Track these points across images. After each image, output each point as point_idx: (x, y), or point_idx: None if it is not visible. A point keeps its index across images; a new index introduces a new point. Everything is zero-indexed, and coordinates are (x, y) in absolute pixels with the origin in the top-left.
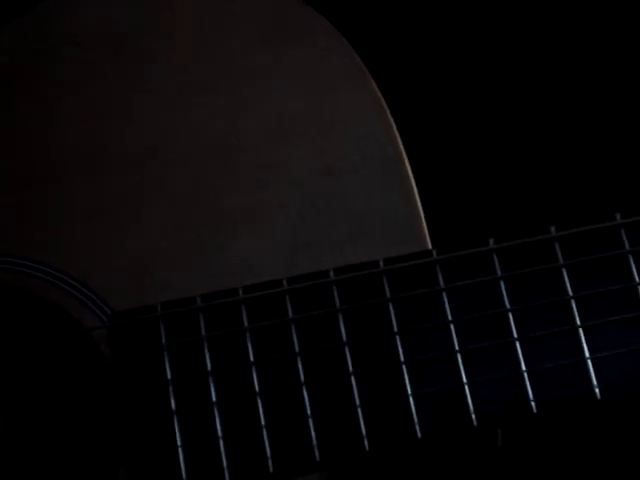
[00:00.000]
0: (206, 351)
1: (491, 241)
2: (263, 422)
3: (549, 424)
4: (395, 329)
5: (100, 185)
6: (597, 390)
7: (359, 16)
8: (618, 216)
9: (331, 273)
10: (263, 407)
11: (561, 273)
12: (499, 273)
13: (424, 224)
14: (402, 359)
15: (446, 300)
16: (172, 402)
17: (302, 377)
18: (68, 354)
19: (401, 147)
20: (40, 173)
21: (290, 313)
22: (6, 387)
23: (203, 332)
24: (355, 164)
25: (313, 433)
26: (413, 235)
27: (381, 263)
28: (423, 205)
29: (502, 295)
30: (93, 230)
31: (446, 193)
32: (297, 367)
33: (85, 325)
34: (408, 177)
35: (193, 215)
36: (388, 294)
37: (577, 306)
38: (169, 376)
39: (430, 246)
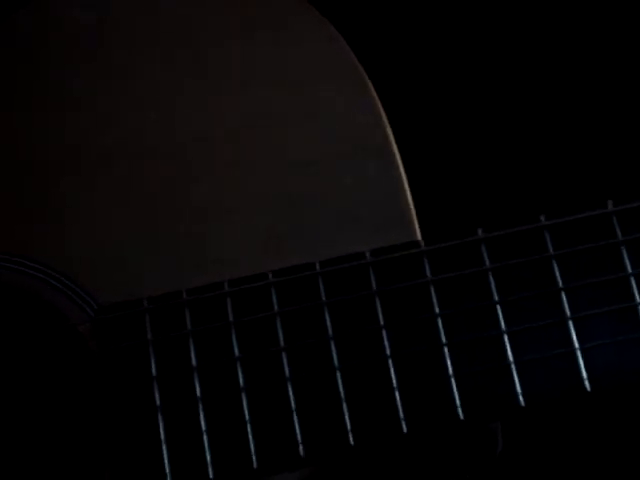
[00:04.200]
0: (191, 346)
1: (479, 231)
2: (247, 417)
3: (549, 428)
4: (381, 322)
5: (85, 183)
6: (587, 383)
7: (347, 5)
8: (610, 203)
9: (317, 265)
10: (248, 402)
11: (551, 263)
12: (487, 264)
13: (414, 214)
14: (388, 352)
15: (433, 292)
16: (156, 397)
17: (287, 372)
18: (56, 350)
19: (391, 137)
20: (27, 172)
21: (275, 306)
22: None
23: (189, 326)
24: (344, 154)
25: (298, 429)
26: (403, 226)
27: (368, 255)
28: (413, 195)
29: (490, 286)
30: (79, 226)
31: (436, 183)
32: (282, 362)
33: (72, 320)
34: (398, 167)
35: (179, 210)
36: (374, 286)
37: (567, 297)
38: (154, 371)
39: (420, 236)
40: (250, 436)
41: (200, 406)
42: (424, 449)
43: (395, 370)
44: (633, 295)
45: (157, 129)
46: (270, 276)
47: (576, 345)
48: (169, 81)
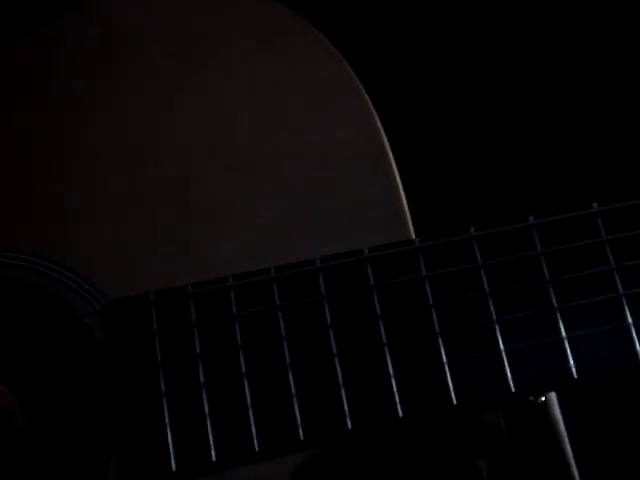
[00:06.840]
0: (196, 335)
1: (472, 229)
2: (249, 402)
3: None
4: (378, 313)
5: (86, 183)
6: (573, 370)
7: (340, 15)
8: (595, 205)
9: (317, 261)
10: (249, 388)
11: (539, 260)
12: (479, 260)
13: (408, 215)
14: (384, 341)
15: (428, 287)
16: (162, 384)
17: (288, 359)
18: (64, 341)
19: (385, 140)
20: (36, 172)
21: (277, 300)
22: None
23: (193, 318)
24: (341, 158)
25: (298, 413)
26: (398, 226)
27: (365, 251)
28: (407, 196)
29: (482, 281)
30: (86, 226)
31: (430, 184)
32: (283, 350)
33: (79, 313)
34: (392, 170)
35: (184, 212)
36: (372, 281)
37: (554, 290)
38: (159, 359)
39: (414, 235)
40: (252, 420)
41: (203, 392)
42: (430, 444)
43: (391, 358)
44: (616, 288)
45: (158, 130)
46: (272, 271)
47: (563, 334)
48: (170, 83)
